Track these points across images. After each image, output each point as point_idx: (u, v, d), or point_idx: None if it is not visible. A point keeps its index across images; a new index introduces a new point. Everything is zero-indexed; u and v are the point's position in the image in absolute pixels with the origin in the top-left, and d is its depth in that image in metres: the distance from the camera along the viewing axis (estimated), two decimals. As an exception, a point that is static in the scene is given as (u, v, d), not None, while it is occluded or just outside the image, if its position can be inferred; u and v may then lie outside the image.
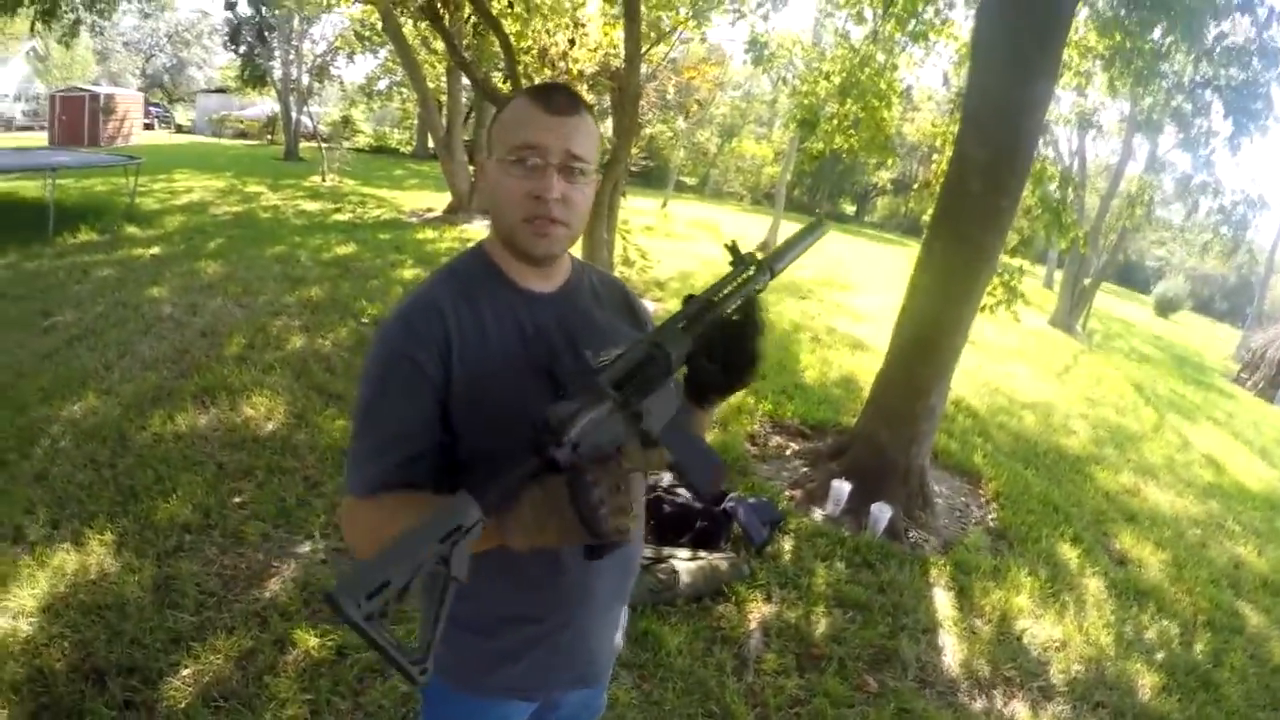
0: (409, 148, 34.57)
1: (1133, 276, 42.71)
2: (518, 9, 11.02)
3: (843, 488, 4.90)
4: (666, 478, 4.32)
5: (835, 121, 8.82)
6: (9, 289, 7.14)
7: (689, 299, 1.30)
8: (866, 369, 7.44)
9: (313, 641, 3.04)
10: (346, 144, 26.01)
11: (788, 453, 5.82)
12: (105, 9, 14.82)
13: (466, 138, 16.48)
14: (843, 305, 12.67)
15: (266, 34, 23.18)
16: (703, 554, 3.96)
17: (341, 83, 31.50)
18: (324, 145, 21.63)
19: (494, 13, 9.88)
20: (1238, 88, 6.47)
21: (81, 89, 29.15)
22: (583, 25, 10.88)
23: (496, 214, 1.38)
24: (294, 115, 25.91)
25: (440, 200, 15.86)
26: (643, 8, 8.55)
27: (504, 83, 10.70)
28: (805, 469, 5.50)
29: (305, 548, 3.71)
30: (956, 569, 4.49)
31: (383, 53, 25.86)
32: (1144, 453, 8.24)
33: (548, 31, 10.94)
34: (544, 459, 1.03)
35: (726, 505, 4.35)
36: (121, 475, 4.11)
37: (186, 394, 5.12)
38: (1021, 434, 7.60)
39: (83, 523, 3.63)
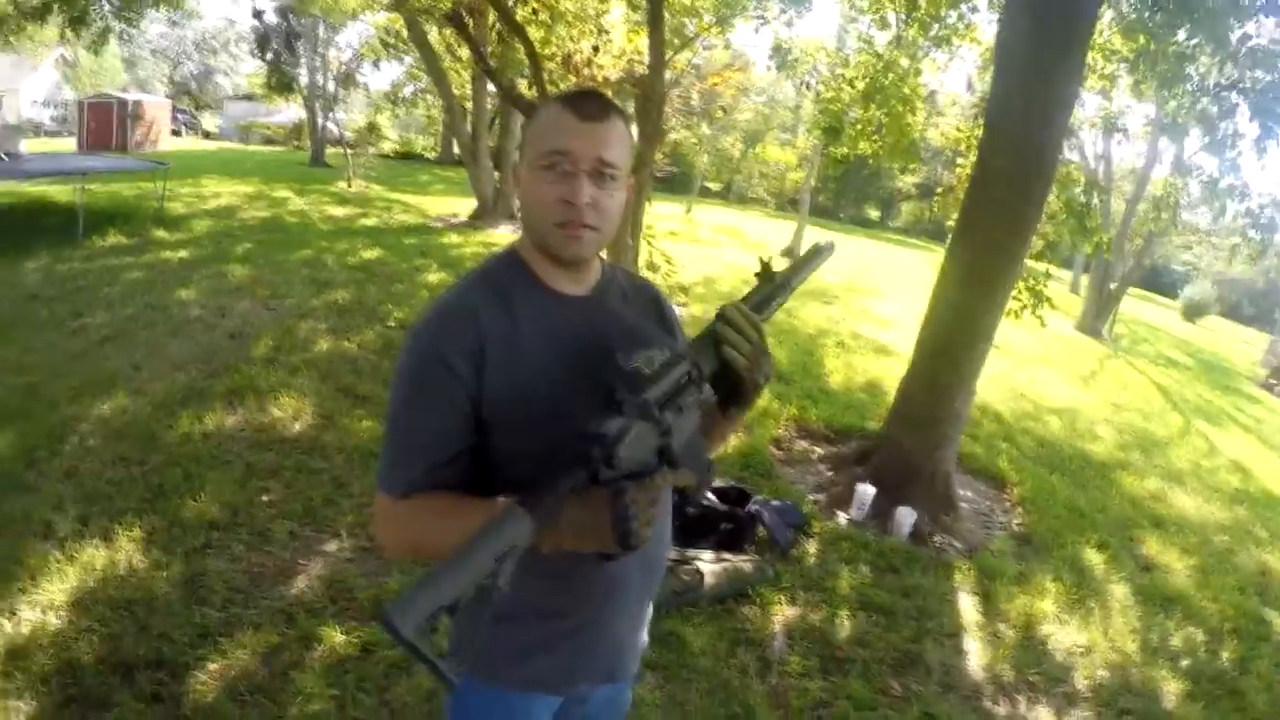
0: (434, 153, 34.78)
1: (1159, 281, 42.21)
2: (542, 16, 11.06)
3: (867, 492, 4.89)
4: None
5: (859, 127, 8.81)
6: (40, 291, 7.24)
7: (720, 310, 1.36)
8: (891, 374, 7.42)
9: (339, 638, 3.06)
10: (372, 150, 26.19)
11: (813, 456, 5.81)
12: (134, 17, 14.94)
13: (491, 144, 16.53)
14: (867, 310, 12.65)
15: (293, 42, 23.38)
16: (727, 556, 3.97)
17: (367, 89, 31.73)
18: (350, 151, 21.78)
19: (519, 20, 9.92)
20: (1263, 90, 6.40)
21: (110, 96, 29.46)
22: (607, 32, 10.91)
23: (528, 218, 1.40)
24: (320, 121, 26.09)
25: (465, 205, 15.94)
26: (666, 14, 8.57)
27: (529, 89, 10.72)
28: (830, 473, 5.49)
29: (332, 546, 3.75)
30: (981, 574, 4.47)
31: (408, 60, 26.00)
32: (1170, 458, 8.18)
33: (572, 38, 10.98)
34: (592, 474, 1.07)
35: (751, 508, 4.36)
36: (150, 473, 4.16)
37: (215, 394, 5.17)
38: (1047, 439, 7.55)
39: (112, 519, 3.67)
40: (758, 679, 3.30)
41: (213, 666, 2.85)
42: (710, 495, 4.35)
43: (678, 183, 31.15)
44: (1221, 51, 6.50)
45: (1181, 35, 6.54)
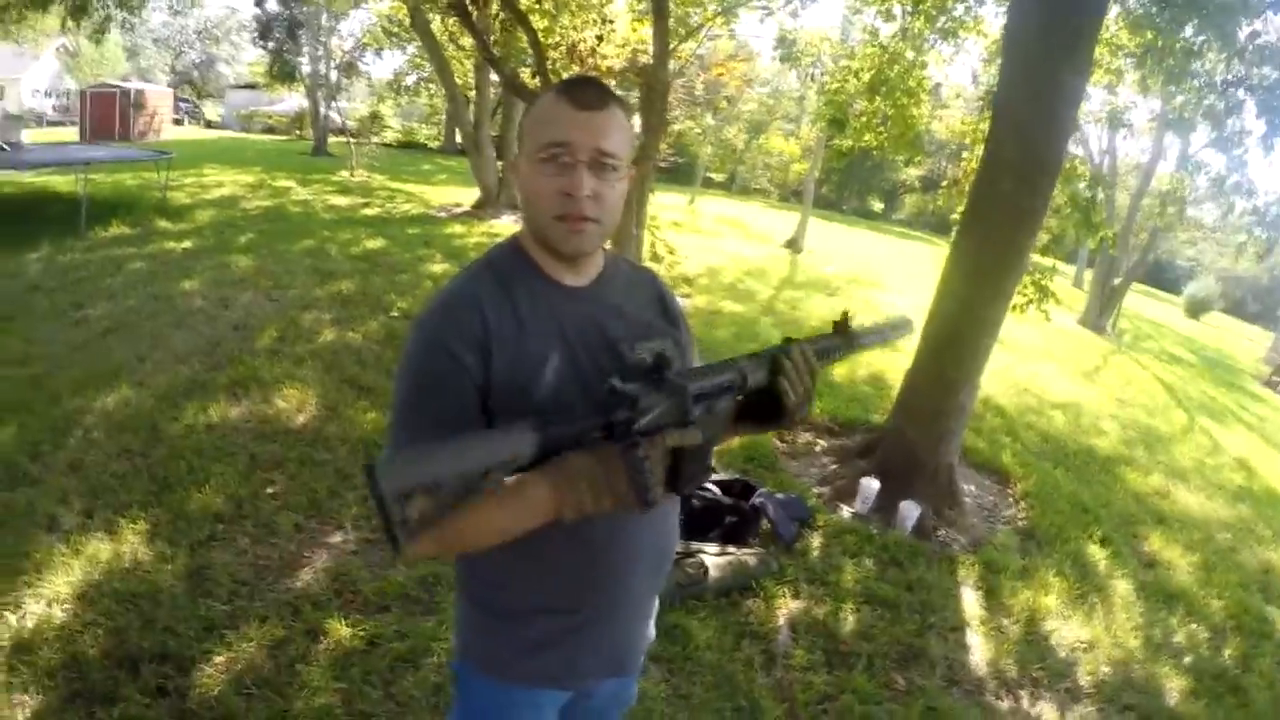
0: (437, 143, 34.76)
1: (1163, 277, 42.20)
2: (546, 5, 11.05)
3: (871, 485, 4.88)
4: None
5: (864, 119, 8.79)
6: (43, 282, 7.23)
7: (787, 341, 1.42)
8: (896, 367, 7.40)
9: (345, 631, 3.06)
10: (375, 139, 26.17)
11: (817, 450, 5.80)
12: (135, 6, 14.92)
13: (494, 133, 16.51)
14: (871, 302, 12.61)
15: (295, 30, 23.36)
16: (731, 549, 3.97)
17: (369, 78, 31.71)
18: (352, 140, 21.76)
19: (522, 8, 9.90)
20: (1271, 87, 6.39)
21: (112, 85, 29.44)
22: (611, 21, 10.90)
23: (528, 211, 1.39)
24: (322, 110, 26.09)
25: (468, 195, 15.92)
26: (670, 4, 8.55)
27: (532, 79, 10.71)
28: (834, 466, 5.49)
29: (337, 538, 3.75)
30: (985, 568, 4.46)
31: (411, 48, 25.98)
32: (1174, 455, 8.17)
33: (575, 28, 10.97)
34: (607, 428, 1.10)
35: (755, 501, 4.35)
36: (154, 465, 4.15)
37: (218, 386, 5.16)
38: (1050, 434, 7.54)
39: (116, 512, 3.67)
40: (762, 672, 3.30)
41: (218, 660, 2.85)
42: (715, 488, 4.35)
43: (681, 173, 31.19)
44: (1229, 48, 6.49)
45: (1189, 31, 6.52)
